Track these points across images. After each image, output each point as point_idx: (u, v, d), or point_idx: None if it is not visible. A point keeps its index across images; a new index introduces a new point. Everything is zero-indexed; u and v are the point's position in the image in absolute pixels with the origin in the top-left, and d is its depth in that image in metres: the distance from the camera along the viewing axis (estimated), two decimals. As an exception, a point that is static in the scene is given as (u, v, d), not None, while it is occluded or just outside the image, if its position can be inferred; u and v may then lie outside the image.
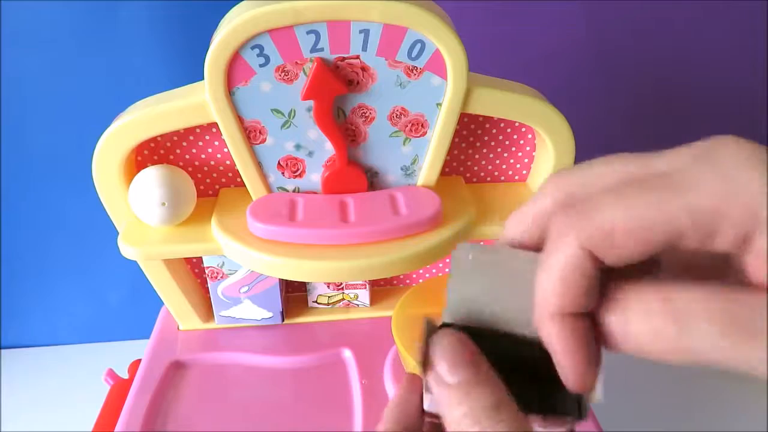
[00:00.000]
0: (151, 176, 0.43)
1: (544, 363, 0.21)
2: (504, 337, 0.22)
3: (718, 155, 0.18)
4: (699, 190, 0.17)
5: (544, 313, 0.19)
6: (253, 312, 0.52)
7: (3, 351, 0.76)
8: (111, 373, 0.52)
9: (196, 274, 0.53)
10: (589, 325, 0.19)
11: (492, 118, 0.48)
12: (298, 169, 0.46)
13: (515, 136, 0.50)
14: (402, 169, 0.46)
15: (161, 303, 0.52)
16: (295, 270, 0.42)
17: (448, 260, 0.57)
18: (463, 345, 0.22)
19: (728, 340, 0.17)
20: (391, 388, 0.45)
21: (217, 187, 0.50)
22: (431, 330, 0.23)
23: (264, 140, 0.44)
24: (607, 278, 0.19)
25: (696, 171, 0.18)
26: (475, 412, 0.20)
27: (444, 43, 0.40)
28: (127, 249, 0.44)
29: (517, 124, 0.49)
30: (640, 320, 0.18)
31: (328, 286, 0.53)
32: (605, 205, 0.18)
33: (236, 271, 0.50)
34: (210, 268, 0.49)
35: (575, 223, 0.18)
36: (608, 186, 0.19)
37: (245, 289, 0.51)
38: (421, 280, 0.58)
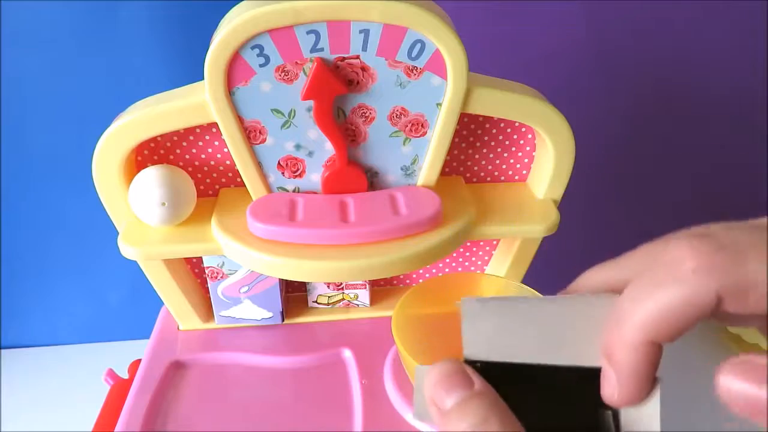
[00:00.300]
0: (151, 176, 0.43)
1: (561, 390, 0.21)
2: (523, 368, 0.22)
3: None
4: None
5: (630, 335, 0.19)
6: (253, 312, 0.52)
7: (3, 351, 0.76)
8: (111, 373, 0.52)
9: (196, 274, 0.53)
10: (660, 354, 0.20)
11: (492, 118, 0.48)
12: (298, 169, 0.46)
13: (515, 136, 0.50)
14: (402, 169, 0.46)
15: (161, 303, 0.52)
16: (295, 270, 0.42)
17: (448, 260, 0.57)
18: (454, 366, 0.22)
19: None
20: (391, 388, 0.45)
21: (217, 187, 0.50)
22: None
23: (264, 140, 0.44)
24: None
25: None
26: (468, 430, 0.20)
27: (444, 43, 0.40)
28: (127, 249, 0.44)
29: (517, 124, 0.49)
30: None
31: (328, 286, 0.53)
32: (752, 255, 0.17)
33: (236, 271, 0.50)
34: (210, 268, 0.49)
35: (719, 264, 0.18)
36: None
37: (245, 289, 0.51)
38: (421, 280, 0.58)
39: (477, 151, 0.50)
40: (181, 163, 0.48)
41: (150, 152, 0.47)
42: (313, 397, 0.46)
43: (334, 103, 0.42)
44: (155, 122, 0.42)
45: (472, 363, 0.22)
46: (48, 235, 0.70)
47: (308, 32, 0.39)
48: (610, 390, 0.20)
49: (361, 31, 0.39)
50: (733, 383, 0.18)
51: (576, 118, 0.46)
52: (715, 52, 0.70)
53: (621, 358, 0.20)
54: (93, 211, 0.49)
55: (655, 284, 0.18)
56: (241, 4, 0.40)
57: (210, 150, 0.47)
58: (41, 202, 0.68)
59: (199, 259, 0.51)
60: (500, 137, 0.50)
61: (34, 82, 0.61)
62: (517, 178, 0.52)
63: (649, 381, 0.20)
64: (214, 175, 0.49)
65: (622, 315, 0.19)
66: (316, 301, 0.54)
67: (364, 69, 0.41)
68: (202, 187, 0.49)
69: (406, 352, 0.39)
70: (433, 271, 0.57)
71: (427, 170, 0.46)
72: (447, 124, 0.44)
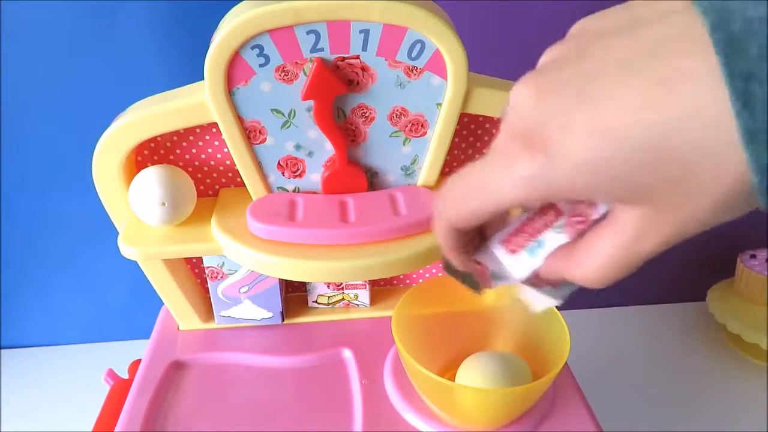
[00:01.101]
0: (151, 176, 0.43)
1: None
2: None
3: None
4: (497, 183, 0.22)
5: (440, 225, 0.27)
6: (253, 312, 0.52)
7: (3, 351, 0.76)
8: (111, 373, 0.52)
9: (196, 274, 0.53)
10: (463, 233, 0.27)
11: (492, 118, 0.48)
12: (298, 169, 0.46)
13: (515, 136, 0.50)
14: (402, 169, 0.46)
15: (161, 303, 0.52)
16: (295, 270, 0.42)
17: (448, 260, 0.57)
18: None
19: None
20: (391, 388, 0.45)
21: (217, 187, 0.50)
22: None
23: (264, 140, 0.44)
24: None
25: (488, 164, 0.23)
26: None
27: (444, 43, 0.40)
28: (127, 249, 0.44)
29: (517, 124, 0.49)
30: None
31: (328, 286, 0.53)
32: (447, 198, 0.25)
33: (236, 271, 0.50)
34: (210, 268, 0.49)
35: (438, 212, 0.26)
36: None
37: (245, 289, 0.51)
38: (421, 280, 0.58)
39: (477, 151, 0.50)
40: (181, 163, 0.48)
41: (150, 152, 0.47)
42: (313, 397, 0.46)
43: (334, 103, 0.42)
44: (155, 122, 0.42)
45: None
46: (48, 235, 0.70)
47: (308, 32, 0.39)
48: None
49: (361, 31, 0.39)
50: None
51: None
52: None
53: (438, 237, 0.27)
54: (93, 211, 0.49)
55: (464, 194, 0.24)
56: (241, 4, 0.40)
57: (210, 150, 0.47)
58: (41, 202, 0.68)
59: (199, 259, 0.51)
60: (500, 137, 0.50)
61: (34, 82, 0.61)
62: (517, 178, 0.52)
63: (460, 249, 0.28)
64: (214, 175, 0.49)
65: (437, 211, 0.26)
66: (316, 301, 0.54)
67: (364, 69, 0.41)
68: (202, 187, 0.49)
69: (406, 352, 0.39)
70: (433, 271, 0.57)
71: (427, 170, 0.46)
72: (447, 124, 0.44)
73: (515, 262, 0.27)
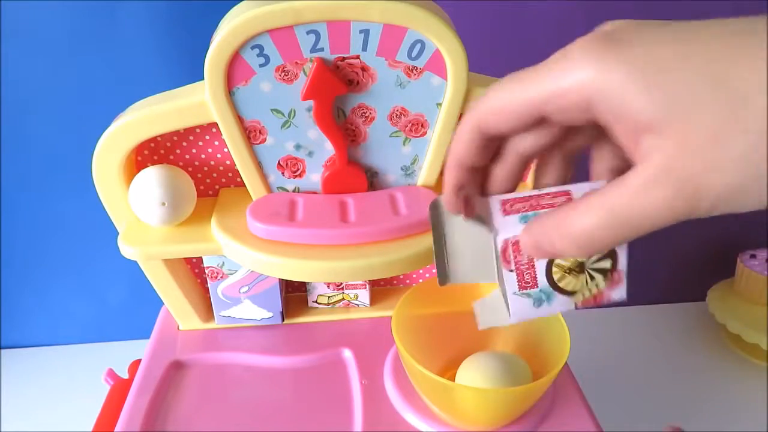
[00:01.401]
0: (151, 176, 0.43)
1: None
2: None
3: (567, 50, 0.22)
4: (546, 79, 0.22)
5: (465, 120, 0.26)
6: (253, 312, 0.52)
7: (3, 351, 0.76)
8: (111, 373, 0.52)
9: (196, 274, 0.53)
10: (482, 148, 0.26)
11: (492, 118, 0.48)
12: (298, 169, 0.46)
13: (515, 136, 0.50)
14: (402, 169, 0.46)
15: (161, 303, 0.52)
16: (295, 270, 0.42)
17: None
18: None
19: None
20: (391, 388, 0.45)
21: (217, 187, 0.50)
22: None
23: (264, 140, 0.44)
24: None
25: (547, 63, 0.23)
26: None
27: (444, 43, 0.40)
28: (127, 249, 0.44)
29: (517, 124, 0.49)
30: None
31: (328, 286, 0.53)
32: (492, 87, 0.24)
33: (236, 271, 0.50)
34: (210, 268, 0.49)
35: (471, 107, 0.25)
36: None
37: (245, 289, 0.51)
38: (421, 280, 0.58)
39: (477, 151, 0.50)
40: (181, 163, 0.48)
41: (150, 152, 0.47)
42: (313, 397, 0.46)
43: (334, 103, 0.42)
44: (155, 122, 0.42)
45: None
46: (48, 235, 0.70)
47: (308, 32, 0.39)
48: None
49: (361, 31, 0.39)
50: None
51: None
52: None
53: (452, 144, 0.26)
54: (93, 211, 0.49)
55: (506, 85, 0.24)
56: (241, 4, 0.40)
57: (210, 150, 0.48)
58: (41, 202, 0.68)
59: (199, 259, 0.51)
60: (500, 137, 0.50)
61: (34, 82, 0.61)
62: (517, 178, 0.52)
63: (465, 171, 0.27)
64: (214, 175, 0.49)
65: (469, 108, 0.25)
66: (316, 301, 0.54)
67: (364, 69, 0.41)
68: (202, 187, 0.49)
69: (406, 352, 0.39)
70: (433, 271, 0.57)
71: (427, 170, 0.46)
72: (447, 124, 0.44)
73: (504, 220, 0.27)
